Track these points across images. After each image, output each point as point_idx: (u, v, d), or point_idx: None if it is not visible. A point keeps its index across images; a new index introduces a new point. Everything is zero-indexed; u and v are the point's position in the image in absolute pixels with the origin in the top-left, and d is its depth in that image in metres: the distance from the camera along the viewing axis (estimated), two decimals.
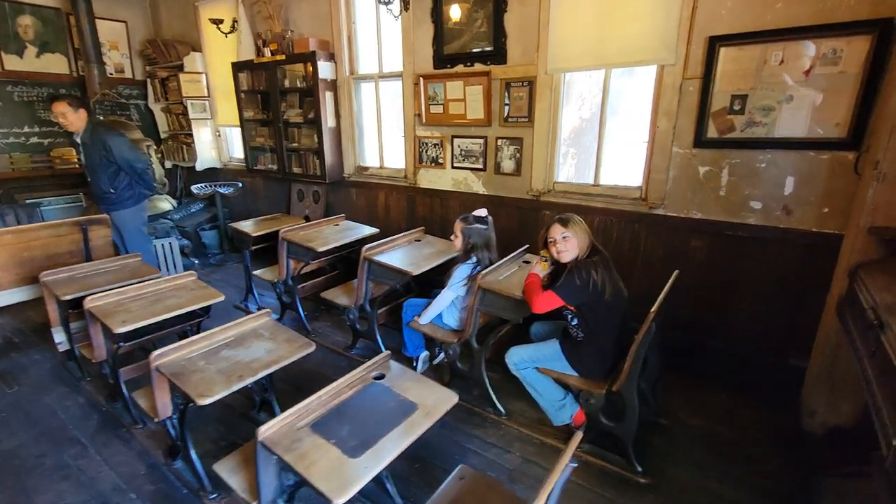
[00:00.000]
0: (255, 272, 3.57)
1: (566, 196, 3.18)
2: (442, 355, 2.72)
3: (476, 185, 3.59)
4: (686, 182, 2.70)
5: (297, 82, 4.27)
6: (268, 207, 5.28)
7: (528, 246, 2.79)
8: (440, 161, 3.71)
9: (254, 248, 3.63)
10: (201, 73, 5.25)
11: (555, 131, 3.15)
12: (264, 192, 5.32)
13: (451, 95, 3.49)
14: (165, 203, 4.86)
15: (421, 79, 3.58)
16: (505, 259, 2.56)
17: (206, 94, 5.33)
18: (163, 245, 4.49)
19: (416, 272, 2.56)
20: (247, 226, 3.67)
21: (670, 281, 2.19)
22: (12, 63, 4.77)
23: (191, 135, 5.37)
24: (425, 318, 2.54)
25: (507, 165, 3.37)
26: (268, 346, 1.96)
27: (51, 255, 3.25)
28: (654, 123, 2.74)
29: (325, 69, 4.03)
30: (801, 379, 2.37)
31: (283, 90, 4.38)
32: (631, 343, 1.90)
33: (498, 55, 3.21)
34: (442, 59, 3.48)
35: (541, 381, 2.19)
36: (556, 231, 2.03)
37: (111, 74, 5.50)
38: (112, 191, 3.69)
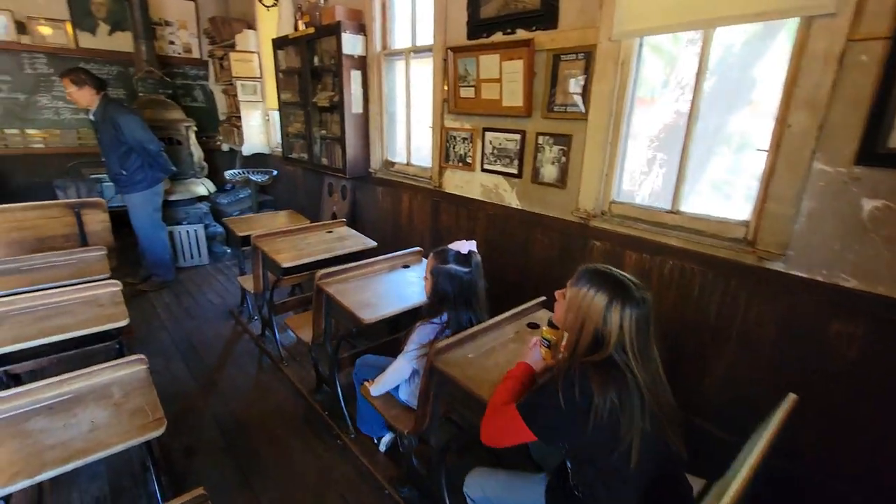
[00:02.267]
0: (239, 278, 3.09)
1: (626, 223, 2.16)
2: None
3: (508, 196, 2.69)
4: (833, 222, 1.56)
5: (327, 60, 3.70)
6: (306, 199, 4.88)
7: (544, 298, 1.86)
8: (468, 160, 2.87)
9: (244, 248, 3.15)
10: (253, 52, 4.96)
11: (618, 127, 2.13)
12: (303, 182, 4.91)
13: (484, 74, 2.62)
14: (201, 187, 4.66)
15: (450, 52, 2.75)
16: (501, 316, 1.68)
17: (259, 75, 5.05)
18: (187, 232, 4.28)
19: (367, 318, 1.79)
20: (240, 222, 3.21)
21: (783, 410, 1.17)
22: (85, 40, 4.89)
23: (241, 117, 5.15)
24: (377, 389, 1.77)
25: (549, 172, 2.43)
26: (101, 417, 1.36)
27: (42, 237, 3.06)
28: (782, 120, 1.63)
29: (351, 43, 3.39)
30: None
31: (315, 69, 3.85)
32: None
33: (546, 16, 2.26)
34: (477, 26, 2.62)
35: None
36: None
37: (178, 54, 5.50)
38: (123, 172, 3.46)
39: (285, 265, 2.37)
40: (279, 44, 4.16)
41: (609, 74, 2.07)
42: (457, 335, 1.51)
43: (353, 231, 2.91)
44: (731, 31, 1.80)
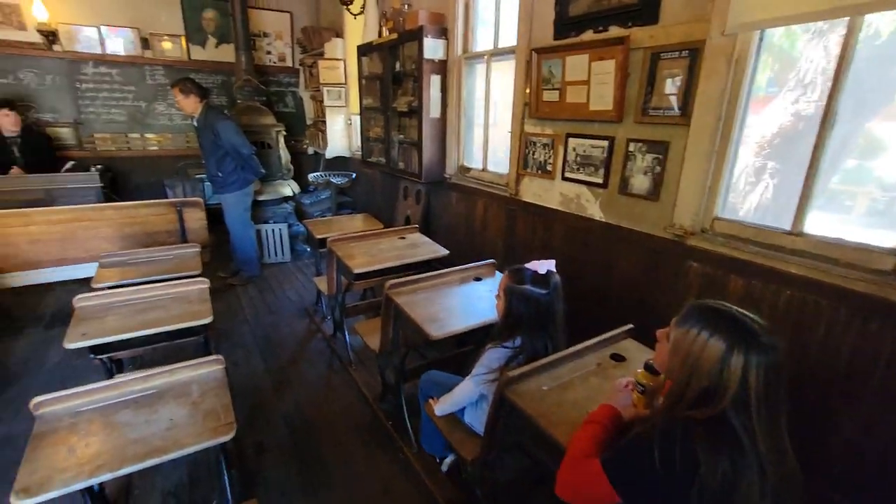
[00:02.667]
0: (315, 278, 3.18)
1: (732, 244, 1.87)
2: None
3: (591, 207, 2.48)
4: None
5: (408, 65, 3.72)
6: (382, 202, 4.97)
7: (631, 327, 1.66)
8: (548, 168, 2.70)
9: (322, 249, 3.23)
10: (340, 59, 5.15)
11: (727, 133, 1.86)
12: (380, 185, 5.00)
13: (571, 76, 2.44)
14: (287, 188, 4.93)
15: (534, 54, 2.61)
16: (582, 345, 1.51)
17: (343, 82, 5.24)
18: (272, 230, 4.53)
19: (435, 334, 1.71)
20: (319, 224, 3.30)
21: None
22: (196, 53, 5.39)
23: (326, 122, 5.38)
24: (441, 409, 1.69)
25: (640, 183, 2.20)
26: (179, 415, 1.41)
27: (150, 232, 3.40)
28: None
29: (432, 48, 3.36)
30: None
31: (396, 74, 3.88)
32: None
33: (645, 11, 2.04)
34: (565, 24, 2.45)
35: None
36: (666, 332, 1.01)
37: (273, 63, 5.88)
38: (219, 174, 3.73)
39: (357, 270, 2.38)
40: (363, 50, 4.27)
41: (719, 73, 1.81)
42: (531, 363, 1.38)
43: (426, 238, 2.87)
44: (882, 18, 1.48)
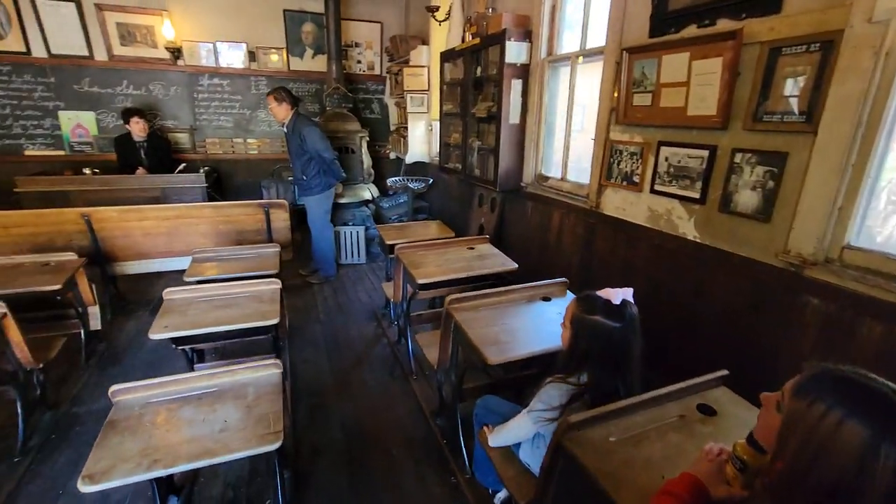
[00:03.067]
0: (384, 283, 3.19)
1: (867, 279, 1.51)
2: None
3: (683, 225, 2.19)
4: None
5: (490, 70, 3.62)
6: (457, 208, 4.92)
7: (725, 373, 1.38)
8: (635, 179, 2.44)
9: (392, 255, 3.25)
10: (424, 66, 5.21)
11: (870, 144, 1.50)
12: (456, 191, 4.96)
13: (666, 77, 2.18)
14: (367, 192, 5.07)
15: (625, 54, 2.37)
16: (663, 391, 1.29)
17: (426, 88, 5.29)
18: (350, 233, 4.68)
19: (493, 358, 1.57)
20: (391, 229, 3.32)
21: None
22: (294, 64, 5.78)
23: (407, 128, 5.47)
24: (495, 440, 1.55)
25: (746, 200, 1.88)
26: (233, 418, 1.44)
27: (241, 230, 3.65)
28: None
29: (515, 51, 3.23)
30: None
31: (477, 80, 3.81)
32: None
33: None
34: (663, 20, 2.19)
35: None
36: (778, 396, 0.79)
37: (362, 72, 6.13)
38: (304, 177, 3.93)
39: (421, 281, 2.32)
40: (446, 56, 4.25)
41: (861, 71, 1.47)
42: (597, 408, 1.19)
43: (496, 250, 2.74)
44: None
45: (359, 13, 5.86)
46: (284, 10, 5.54)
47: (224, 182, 5.79)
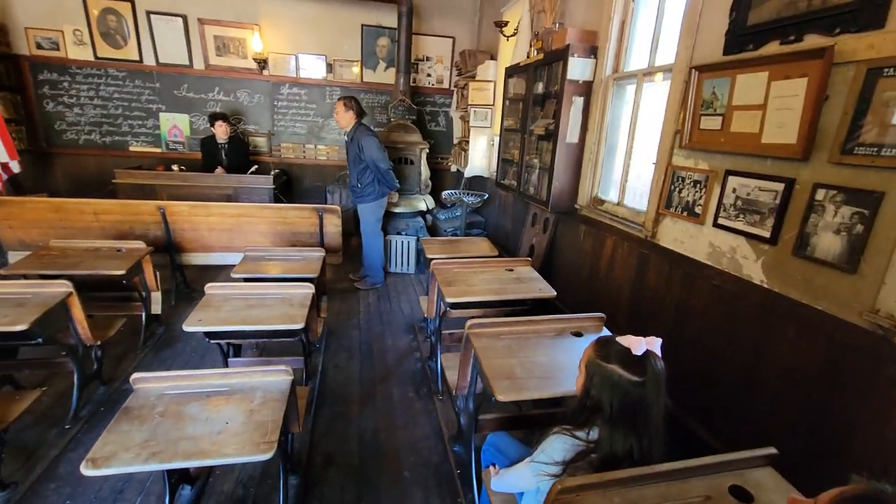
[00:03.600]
0: (422, 297, 3.15)
1: None
2: None
3: (749, 266, 1.91)
4: None
5: (552, 86, 3.49)
6: (511, 225, 4.80)
7: (774, 452, 1.15)
8: (697, 210, 2.19)
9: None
10: (490, 81, 5.17)
11: None
12: (511, 208, 4.83)
13: (740, 99, 1.93)
14: (423, 203, 5.10)
15: (694, 72, 2.15)
16: (690, 463, 1.10)
17: (491, 103, 5.24)
18: (401, 242, 4.72)
19: (502, 396, 1.45)
20: (435, 243, 3.28)
21: None
22: (367, 76, 6.01)
23: (469, 141, 5.45)
24: (497, 485, 1.41)
25: (827, 244, 1.59)
26: (235, 421, 1.45)
27: (295, 232, 3.81)
28: None
29: (578, 68, 3.08)
30: None
31: (538, 96, 3.69)
32: None
33: (865, 12, 1.48)
34: (739, 35, 1.96)
35: None
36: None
37: (431, 85, 6.23)
38: (358, 185, 4.02)
39: (450, 300, 2.24)
40: (511, 72, 4.18)
41: None
42: (603, 472, 1.04)
43: (535, 273, 2.59)
44: None
45: (432, 28, 5.98)
46: (362, 25, 5.79)
47: (293, 185, 6.13)
